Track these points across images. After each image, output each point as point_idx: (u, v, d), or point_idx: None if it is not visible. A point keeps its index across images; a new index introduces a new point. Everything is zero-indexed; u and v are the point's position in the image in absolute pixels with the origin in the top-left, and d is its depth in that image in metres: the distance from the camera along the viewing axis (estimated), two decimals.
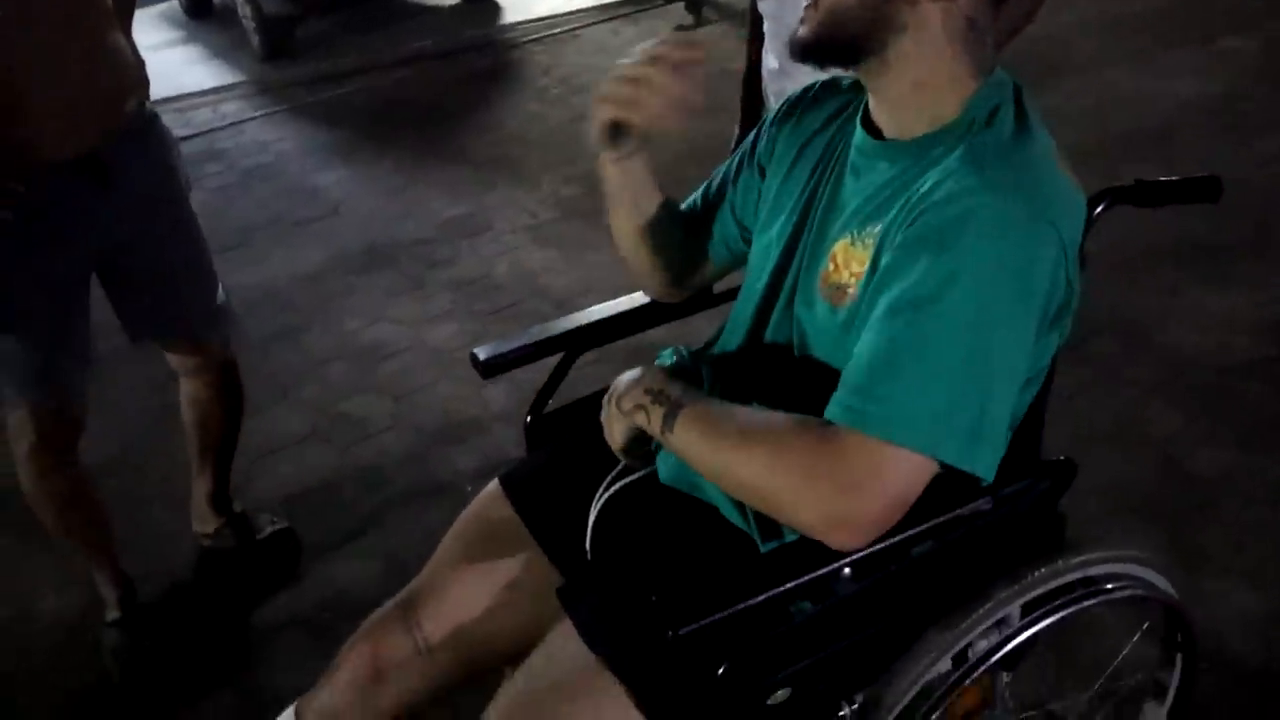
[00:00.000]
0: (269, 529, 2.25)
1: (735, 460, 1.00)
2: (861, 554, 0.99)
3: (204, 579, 2.23)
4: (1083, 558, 1.15)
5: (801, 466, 0.95)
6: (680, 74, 1.09)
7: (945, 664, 1.11)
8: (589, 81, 4.87)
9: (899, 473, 0.94)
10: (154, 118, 1.91)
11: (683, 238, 1.32)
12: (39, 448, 1.86)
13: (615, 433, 1.15)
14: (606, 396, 1.17)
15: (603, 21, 5.67)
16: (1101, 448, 2.31)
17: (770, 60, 1.96)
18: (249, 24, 5.53)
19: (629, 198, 1.27)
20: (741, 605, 0.97)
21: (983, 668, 1.09)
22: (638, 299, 1.45)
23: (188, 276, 1.98)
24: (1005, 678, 1.32)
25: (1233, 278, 2.87)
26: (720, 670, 0.99)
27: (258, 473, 2.52)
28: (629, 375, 1.14)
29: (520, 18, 5.88)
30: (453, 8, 6.44)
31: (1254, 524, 2.06)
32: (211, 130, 4.70)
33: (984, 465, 0.97)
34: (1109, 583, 1.17)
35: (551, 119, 4.55)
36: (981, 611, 1.09)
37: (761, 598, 0.98)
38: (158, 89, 5.52)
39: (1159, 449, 2.29)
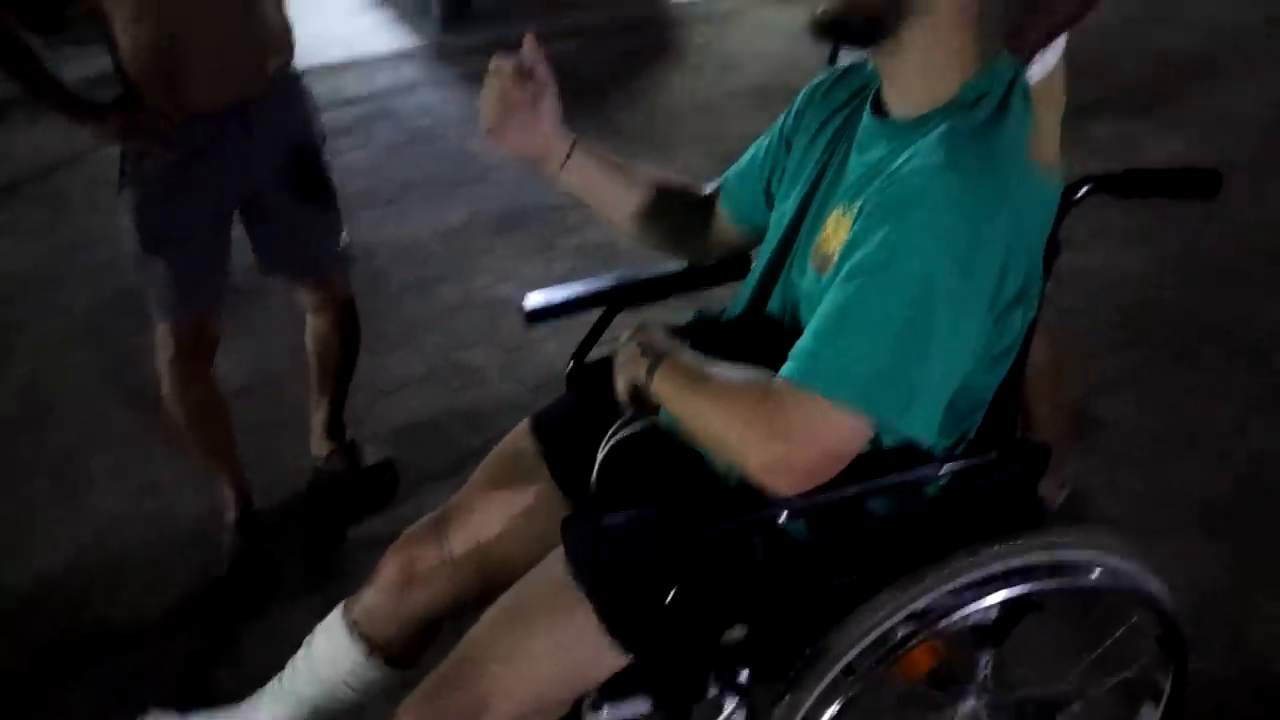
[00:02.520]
0: (374, 458, 2.48)
1: (699, 408, 1.09)
2: (805, 503, 1.06)
3: (313, 497, 2.46)
4: (1047, 540, 1.19)
5: (745, 415, 1.04)
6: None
7: (905, 627, 1.18)
8: (742, 61, 4.94)
9: (832, 426, 1.02)
10: (296, 77, 2.13)
11: (686, 212, 1.41)
12: (177, 361, 2.11)
13: (618, 384, 1.26)
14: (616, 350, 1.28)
15: (770, 3, 5.70)
16: (1189, 455, 2.27)
17: None
18: None
19: (595, 196, 1.41)
20: (677, 536, 1.07)
21: (926, 632, 1.15)
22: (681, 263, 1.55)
23: (315, 220, 2.19)
24: (986, 656, 1.37)
25: None
26: (670, 596, 1.09)
27: (376, 407, 2.75)
28: (629, 331, 1.25)
29: None
30: None
31: None
32: (387, 92, 5.01)
33: (918, 428, 1.03)
34: (1078, 569, 1.21)
35: (700, 95, 4.65)
36: (935, 577, 1.15)
37: (704, 531, 1.07)
38: (344, 52, 5.87)
39: (1249, 464, 2.23)
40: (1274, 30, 4.58)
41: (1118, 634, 1.42)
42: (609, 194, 1.42)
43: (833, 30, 1.14)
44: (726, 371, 1.11)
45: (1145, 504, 2.15)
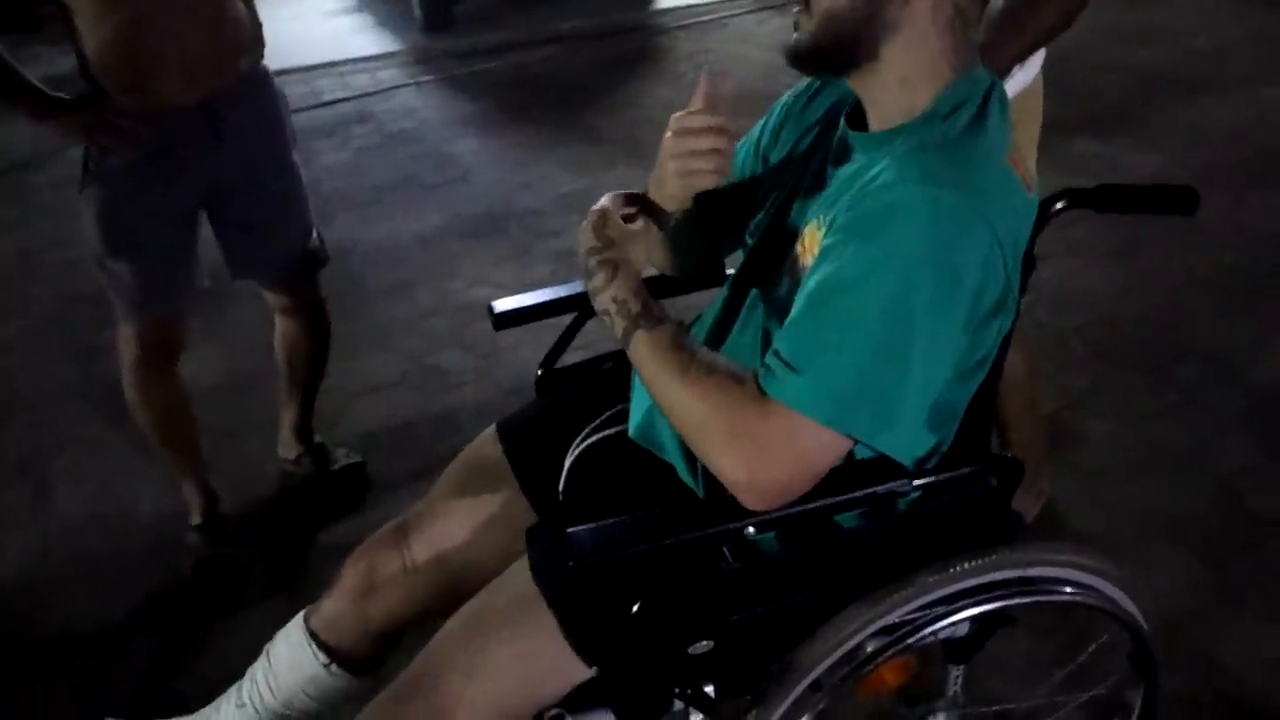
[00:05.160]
0: (343, 461, 2.44)
1: (678, 396, 1.05)
2: (772, 515, 1.04)
3: (280, 500, 2.43)
4: (1020, 555, 1.17)
5: (729, 421, 1.01)
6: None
7: (874, 643, 1.16)
8: (724, 69, 4.93)
9: (808, 443, 1.00)
10: (266, 76, 2.10)
11: (699, 240, 1.39)
12: (141, 363, 2.07)
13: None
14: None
15: (752, 11, 5.71)
16: (1165, 473, 2.27)
17: None
18: None
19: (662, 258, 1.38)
20: (644, 546, 1.04)
21: (895, 649, 1.13)
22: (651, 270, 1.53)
23: (283, 222, 2.16)
24: (956, 671, 1.35)
25: None
26: (635, 608, 1.07)
27: (347, 410, 2.71)
28: (586, 234, 1.17)
29: (672, 3, 5.97)
30: None
31: None
32: (366, 95, 4.97)
33: (895, 446, 1.02)
34: (1049, 585, 1.19)
35: (681, 103, 4.58)
36: (904, 593, 1.13)
37: (669, 541, 1.05)
38: (324, 54, 5.86)
39: (1223, 483, 2.22)
40: (1252, 48, 4.61)
41: (1090, 650, 1.41)
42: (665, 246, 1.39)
43: (811, 62, 1.12)
44: (707, 360, 1.07)
45: (1117, 519, 2.14)
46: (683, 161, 1.15)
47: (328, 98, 4.94)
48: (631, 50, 5.45)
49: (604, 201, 1.21)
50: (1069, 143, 3.70)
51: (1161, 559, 2.02)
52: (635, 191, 1.24)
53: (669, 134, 1.16)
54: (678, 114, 1.17)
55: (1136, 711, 1.39)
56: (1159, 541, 2.07)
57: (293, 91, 2.20)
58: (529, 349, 2.83)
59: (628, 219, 1.20)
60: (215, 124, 1.97)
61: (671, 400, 1.06)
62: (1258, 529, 2.10)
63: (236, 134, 2.00)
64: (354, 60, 5.43)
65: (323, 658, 1.42)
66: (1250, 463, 2.28)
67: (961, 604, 1.15)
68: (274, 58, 2.10)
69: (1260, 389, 2.50)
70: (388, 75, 5.24)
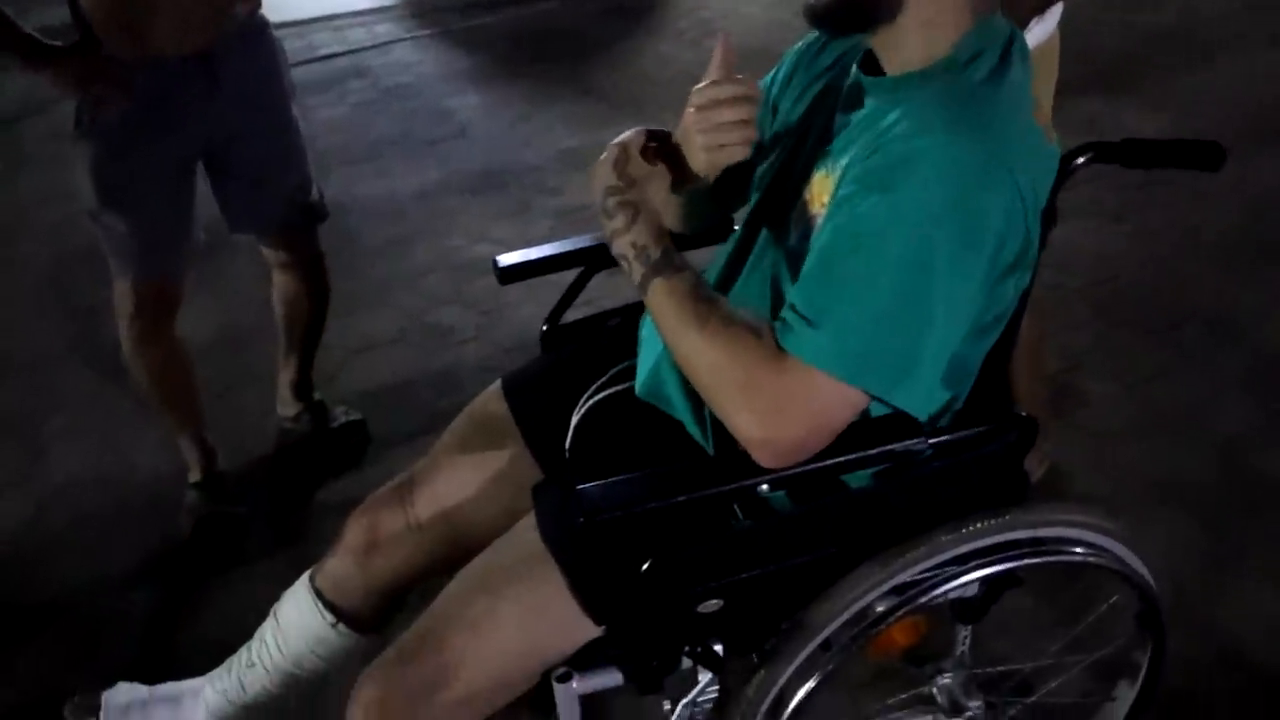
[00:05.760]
0: (343, 419, 2.43)
1: (695, 347, 1.02)
2: (786, 473, 1.03)
3: (279, 458, 2.41)
4: (1032, 516, 1.16)
5: (746, 375, 0.99)
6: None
7: (885, 602, 1.15)
8: (724, 25, 4.86)
9: (826, 399, 0.98)
10: (264, 26, 2.05)
11: (709, 201, 1.35)
12: (138, 319, 2.04)
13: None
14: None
15: None
16: (1166, 435, 2.26)
17: None
18: None
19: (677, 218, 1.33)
20: (654, 504, 1.03)
21: (906, 609, 1.12)
22: None
23: (282, 175, 2.12)
24: (964, 632, 1.34)
25: None
26: (645, 566, 1.05)
27: (345, 367, 2.70)
28: (606, 171, 1.13)
29: None
30: None
31: None
32: (362, 49, 4.90)
33: (913, 402, 1.00)
34: (1060, 545, 1.18)
35: (680, 60, 4.58)
36: (916, 553, 1.12)
37: (681, 499, 1.03)
38: (320, 7, 5.77)
39: (1223, 444, 2.22)
40: (1254, 10, 4.56)
41: (1099, 611, 1.40)
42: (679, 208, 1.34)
43: (831, 20, 1.08)
44: (725, 311, 1.04)
45: (1119, 481, 2.13)
46: (710, 136, 1.10)
47: (324, 52, 4.87)
48: (631, 5, 5.38)
49: (626, 136, 1.16)
50: (1074, 103, 3.64)
51: (1162, 520, 2.02)
52: (659, 128, 1.20)
53: (691, 108, 1.11)
54: (699, 85, 1.12)
55: (1143, 672, 1.38)
56: (1160, 503, 2.07)
57: (288, 46, 2.14)
58: (530, 306, 2.81)
59: (648, 158, 1.16)
60: (212, 74, 1.93)
61: (687, 352, 1.04)
62: (1259, 491, 2.09)
63: (234, 85, 1.96)
64: (350, 14, 5.35)
65: (329, 617, 1.41)
66: (1252, 425, 2.27)
67: (973, 564, 1.14)
68: (268, 10, 2.05)
69: (1262, 351, 2.49)
70: (384, 29, 5.17)
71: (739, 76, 1.11)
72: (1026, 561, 1.15)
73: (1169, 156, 1.20)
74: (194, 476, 2.23)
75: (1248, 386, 2.38)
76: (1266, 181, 3.17)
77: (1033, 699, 1.44)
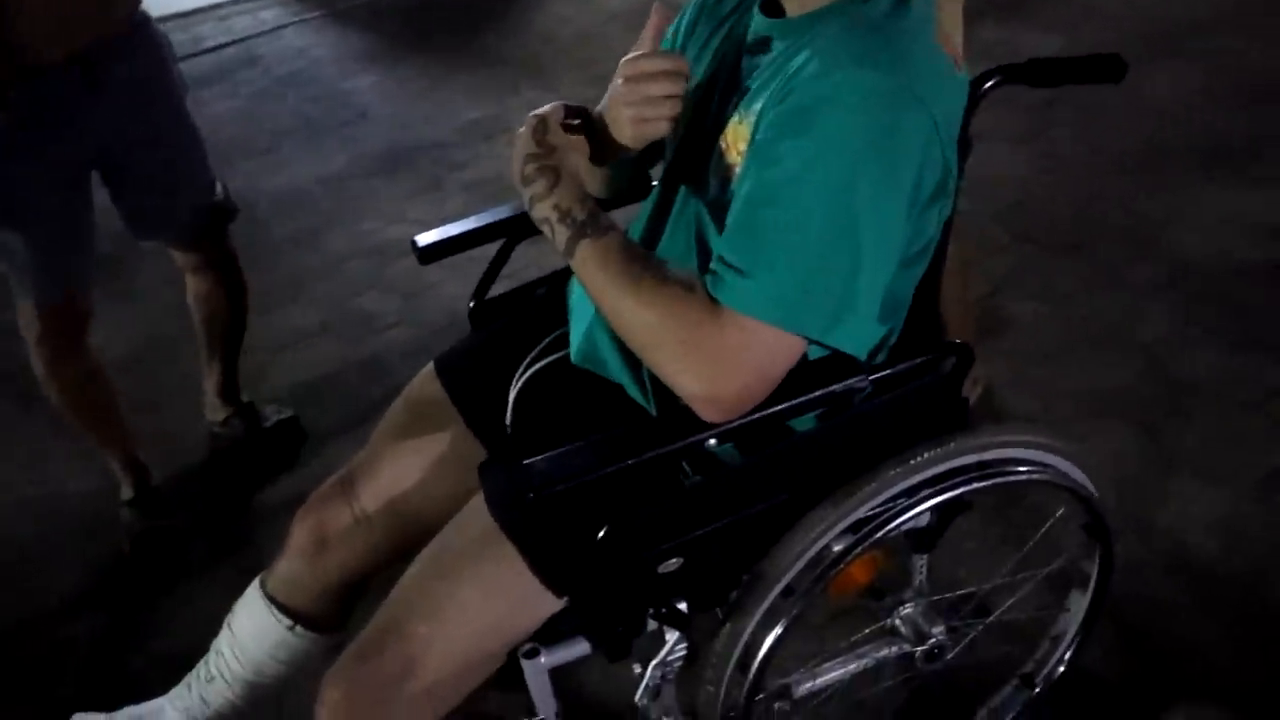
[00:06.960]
0: (275, 418, 2.38)
1: (628, 307, 1.01)
2: (731, 425, 1.02)
3: (213, 465, 2.36)
4: (976, 441, 1.18)
5: (684, 332, 0.98)
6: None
7: (841, 542, 1.16)
8: None
9: (764, 349, 0.98)
10: (145, 22, 1.96)
11: (628, 165, 1.33)
12: (47, 339, 1.96)
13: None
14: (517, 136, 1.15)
15: None
16: (1088, 349, 2.31)
17: None
18: None
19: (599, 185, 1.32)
20: (607, 469, 1.02)
21: (862, 546, 1.13)
22: None
23: (181, 176, 2.04)
24: (920, 561, 1.36)
25: (1250, 178, 2.79)
26: (601, 534, 1.05)
27: (270, 365, 2.64)
28: (525, 140, 1.11)
29: None
30: None
31: (1232, 429, 2.05)
32: (249, 37, 4.77)
33: (852, 342, 1.00)
34: (1006, 466, 1.20)
35: (580, 20, 4.53)
36: (866, 490, 1.13)
37: (630, 462, 1.02)
38: None
39: (1147, 352, 2.28)
40: None
41: (1047, 527, 1.43)
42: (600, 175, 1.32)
43: None
44: (657, 270, 1.03)
45: (1049, 398, 2.18)
46: (638, 109, 1.09)
47: (210, 43, 4.72)
48: None
49: (544, 109, 1.15)
50: (969, 32, 3.67)
51: (1098, 432, 2.07)
52: (578, 104, 1.18)
53: (619, 80, 1.10)
54: (628, 56, 1.10)
55: (1093, 580, 1.42)
56: (1093, 415, 2.12)
57: (172, 40, 2.06)
58: (453, 284, 2.77)
59: (568, 130, 1.14)
60: (93, 78, 1.83)
61: (621, 313, 1.02)
62: (1183, 395, 2.15)
63: (119, 87, 1.87)
64: (232, 2, 5.18)
65: (285, 621, 1.38)
66: (1172, 329, 2.33)
67: (924, 494, 1.15)
68: (148, 4, 1.95)
69: (1176, 258, 2.55)
70: (270, 15, 5.02)
71: (670, 55, 1.10)
72: (975, 485, 1.17)
73: (1074, 73, 1.22)
74: (126, 494, 2.17)
75: (1164, 294, 2.45)
76: (1160, 92, 3.24)
77: (991, 618, 1.47)
